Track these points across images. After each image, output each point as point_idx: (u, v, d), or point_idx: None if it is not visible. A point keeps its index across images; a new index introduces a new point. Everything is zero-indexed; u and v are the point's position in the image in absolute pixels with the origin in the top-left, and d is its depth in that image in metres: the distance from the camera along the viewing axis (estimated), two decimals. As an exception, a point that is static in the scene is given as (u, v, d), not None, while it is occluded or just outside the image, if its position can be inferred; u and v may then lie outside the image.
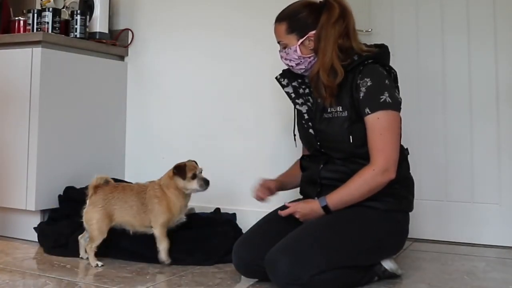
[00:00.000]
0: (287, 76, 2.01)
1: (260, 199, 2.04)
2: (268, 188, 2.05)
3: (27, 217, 2.53)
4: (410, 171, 1.95)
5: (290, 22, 1.90)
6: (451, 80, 2.62)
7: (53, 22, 2.71)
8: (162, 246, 2.09)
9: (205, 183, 2.10)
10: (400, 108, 1.83)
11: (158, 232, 2.09)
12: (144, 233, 2.14)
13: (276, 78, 2.03)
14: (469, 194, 2.57)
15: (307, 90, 1.99)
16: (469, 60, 2.58)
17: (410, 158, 1.96)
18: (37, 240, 2.43)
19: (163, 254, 2.09)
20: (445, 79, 2.63)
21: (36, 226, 2.45)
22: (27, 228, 2.49)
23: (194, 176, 2.10)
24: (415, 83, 2.63)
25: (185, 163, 2.13)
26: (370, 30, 2.69)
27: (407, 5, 2.70)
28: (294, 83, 1.99)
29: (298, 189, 2.07)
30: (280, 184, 2.10)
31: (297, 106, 1.99)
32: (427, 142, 2.63)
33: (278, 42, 1.96)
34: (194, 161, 2.17)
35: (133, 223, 2.12)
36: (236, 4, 2.74)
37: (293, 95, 1.99)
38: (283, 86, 2.02)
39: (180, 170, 2.10)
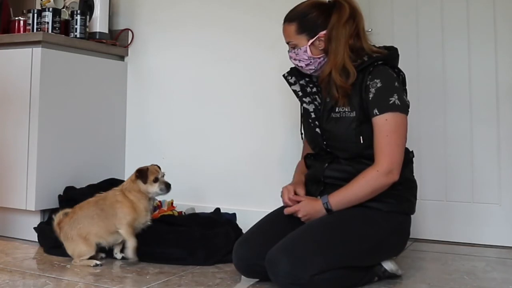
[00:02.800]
0: (294, 74, 2.00)
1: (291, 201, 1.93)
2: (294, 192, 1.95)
3: (27, 217, 2.53)
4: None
5: (300, 22, 1.88)
6: (451, 80, 2.61)
7: (53, 22, 2.70)
8: (129, 244, 2.09)
9: (166, 187, 2.13)
10: (408, 111, 1.83)
11: (124, 231, 2.09)
12: (117, 243, 2.15)
13: (283, 75, 2.03)
14: (469, 194, 2.57)
15: (314, 89, 1.98)
16: (469, 60, 2.58)
17: (411, 158, 1.96)
18: (37, 240, 2.43)
19: (130, 252, 2.09)
20: (445, 79, 2.63)
21: (36, 226, 2.45)
22: (27, 228, 2.49)
23: (156, 180, 2.12)
24: (415, 83, 2.62)
25: (147, 167, 2.14)
26: (370, 30, 2.67)
27: (407, 5, 2.70)
28: (302, 82, 1.99)
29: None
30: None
31: (304, 105, 1.98)
32: (427, 142, 2.62)
33: (287, 43, 1.94)
34: (157, 165, 2.19)
35: (101, 234, 2.11)
36: (236, 3, 2.74)
37: (300, 93, 1.99)
38: (290, 84, 2.01)
39: (142, 174, 2.12)
